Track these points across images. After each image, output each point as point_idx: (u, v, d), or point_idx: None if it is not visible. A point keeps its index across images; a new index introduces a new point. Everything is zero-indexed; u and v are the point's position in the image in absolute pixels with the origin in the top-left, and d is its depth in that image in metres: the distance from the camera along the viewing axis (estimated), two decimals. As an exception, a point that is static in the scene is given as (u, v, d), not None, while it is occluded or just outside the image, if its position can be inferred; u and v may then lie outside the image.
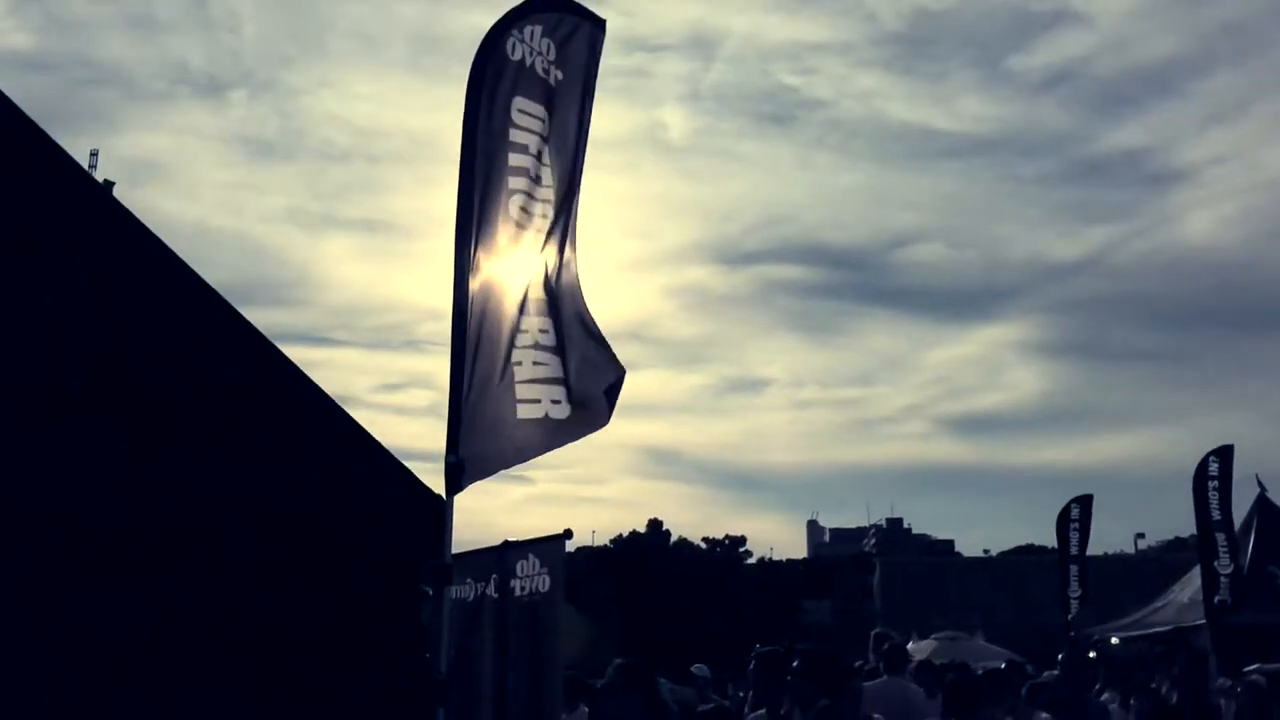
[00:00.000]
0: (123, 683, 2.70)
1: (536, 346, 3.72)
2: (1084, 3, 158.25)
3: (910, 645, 13.73)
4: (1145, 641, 19.34)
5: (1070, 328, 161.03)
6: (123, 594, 2.71)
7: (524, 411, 3.58)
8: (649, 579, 53.86)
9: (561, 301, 3.93)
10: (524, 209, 3.79)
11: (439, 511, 3.24)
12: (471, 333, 3.46)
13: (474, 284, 3.52)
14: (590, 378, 3.89)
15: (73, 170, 2.64)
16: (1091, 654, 15.87)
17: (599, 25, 4.25)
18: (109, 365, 2.64)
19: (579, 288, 4.22)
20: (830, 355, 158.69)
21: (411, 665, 3.11)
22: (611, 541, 60.81)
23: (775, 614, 52.62)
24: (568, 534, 3.24)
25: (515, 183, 3.77)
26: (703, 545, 60.48)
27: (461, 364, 3.41)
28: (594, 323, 4.26)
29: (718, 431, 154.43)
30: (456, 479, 3.33)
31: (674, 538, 59.70)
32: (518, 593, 3.28)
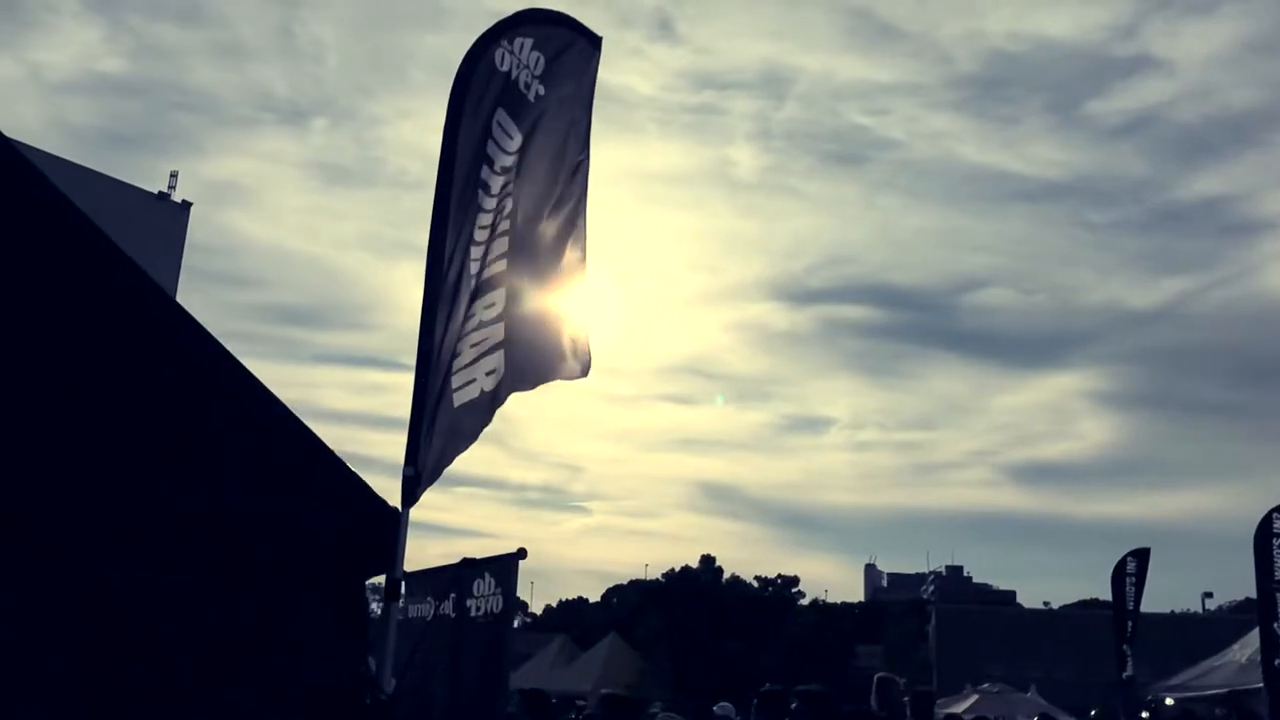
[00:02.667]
0: (57, 697, 2.65)
1: (480, 326, 3.67)
2: (1165, 49, 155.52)
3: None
4: (1203, 703, 18.60)
5: (1142, 378, 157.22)
6: (60, 603, 2.67)
7: (460, 397, 3.51)
8: (700, 615, 53.34)
9: (520, 277, 3.87)
10: (485, 226, 3.73)
11: (393, 525, 3.16)
12: (437, 346, 3.40)
13: (448, 307, 3.47)
14: (546, 335, 3.86)
15: (12, 162, 2.62)
16: (1144, 714, 15.28)
17: (594, 42, 4.19)
18: (47, 367, 2.60)
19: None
20: (893, 397, 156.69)
21: (358, 681, 3.02)
22: (663, 576, 60.46)
23: (827, 656, 51.73)
24: (522, 553, 3.13)
25: (483, 201, 3.72)
26: (755, 584, 59.83)
27: (426, 375, 3.34)
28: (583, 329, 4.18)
29: (777, 469, 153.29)
30: (412, 491, 3.26)
31: (726, 575, 59.16)
32: (474, 613, 3.18)
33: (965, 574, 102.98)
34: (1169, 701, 18.97)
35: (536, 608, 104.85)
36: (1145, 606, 18.32)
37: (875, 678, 8.22)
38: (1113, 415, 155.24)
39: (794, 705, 5.45)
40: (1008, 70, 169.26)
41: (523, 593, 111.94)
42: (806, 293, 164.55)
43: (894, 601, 79.61)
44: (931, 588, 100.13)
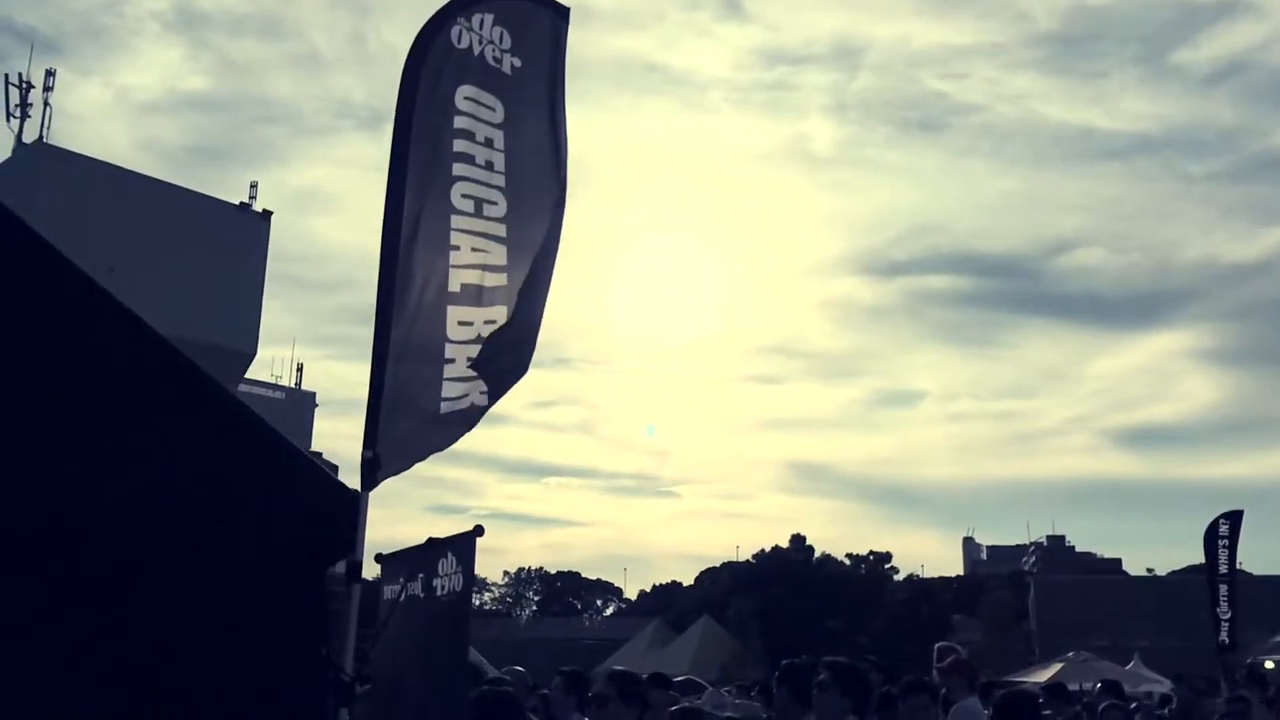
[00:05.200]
0: (16, 687, 2.70)
1: (478, 340, 3.62)
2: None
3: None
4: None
5: (1246, 334, 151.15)
6: (17, 595, 2.72)
7: (448, 407, 3.48)
8: (792, 595, 53.07)
9: (518, 285, 3.81)
10: (471, 196, 3.69)
11: (353, 508, 3.16)
12: (401, 331, 3.38)
13: (409, 279, 3.45)
14: (508, 369, 3.77)
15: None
16: (1235, 677, 14.74)
17: (561, 13, 4.14)
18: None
19: (544, 276, 4.08)
20: (985, 367, 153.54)
21: (320, 665, 3.03)
22: (754, 557, 60.29)
23: (924, 631, 51.05)
24: (479, 530, 3.12)
25: (460, 169, 3.68)
26: (846, 561, 59.28)
27: (384, 362, 3.33)
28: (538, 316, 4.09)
29: (869, 446, 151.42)
30: (372, 474, 3.25)
31: (818, 553, 58.69)
32: (439, 592, 3.17)
33: (1068, 544, 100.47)
34: (1269, 665, 18.29)
35: (631, 593, 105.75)
36: (1264, 569, 17.67)
37: (936, 647, 8.06)
38: (1217, 373, 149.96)
39: (820, 677, 5.33)
40: (1089, 24, 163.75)
41: (615, 579, 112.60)
42: (891, 265, 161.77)
43: (992, 575, 78.09)
44: (1033, 559, 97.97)
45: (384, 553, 3.58)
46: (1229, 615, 17.09)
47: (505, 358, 3.72)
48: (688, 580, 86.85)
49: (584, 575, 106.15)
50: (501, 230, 3.75)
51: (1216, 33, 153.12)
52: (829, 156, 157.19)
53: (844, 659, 5.47)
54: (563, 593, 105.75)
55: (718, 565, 71.73)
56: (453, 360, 3.51)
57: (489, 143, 3.79)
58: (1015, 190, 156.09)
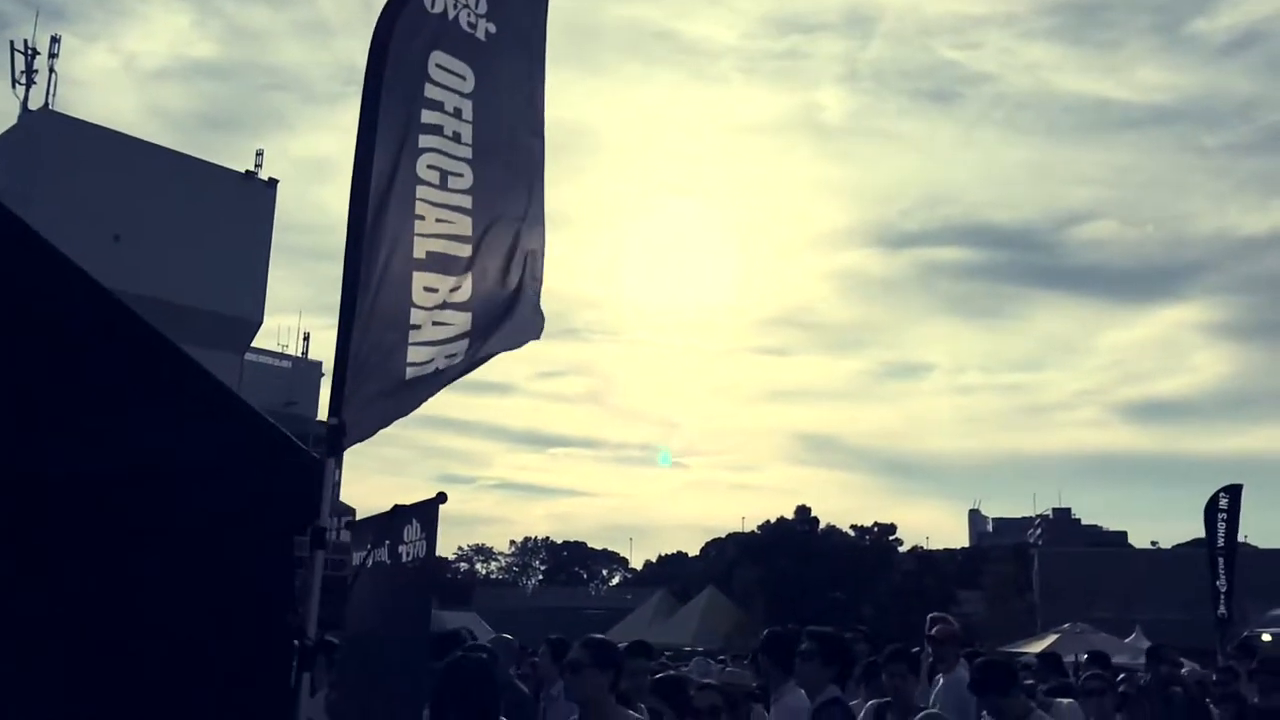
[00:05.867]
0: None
1: (444, 306, 3.60)
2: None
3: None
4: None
5: (1259, 307, 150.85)
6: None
7: (413, 372, 3.48)
8: (797, 566, 53.27)
9: (490, 256, 3.80)
10: (436, 167, 3.66)
11: (317, 475, 3.16)
12: (367, 297, 3.37)
13: (376, 247, 3.43)
14: (501, 338, 3.77)
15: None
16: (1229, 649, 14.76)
17: None
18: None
19: (537, 245, 4.08)
20: (995, 339, 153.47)
21: (286, 630, 3.05)
22: (759, 528, 60.44)
23: (927, 603, 51.25)
24: (442, 497, 3.12)
25: (427, 140, 3.65)
26: (851, 533, 59.42)
27: (350, 328, 3.32)
28: (537, 283, 4.11)
29: (876, 418, 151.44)
30: (337, 441, 3.25)
31: (823, 525, 58.86)
32: (404, 559, 3.19)
33: (1073, 516, 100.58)
34: (1265, 637, 18.34)
35: (636, 563, 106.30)
36: (1273, 543, 17.70)
37: (929, 616, 8.08)
38: (1228, 346, 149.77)
39: (803, 646, 5.35)
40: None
41: (621, 548, 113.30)
42: (902, 236, 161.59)
43: (996, 546, 78.22)
44: (1038, 531, 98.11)
45: (354, 520, 3.59)
46: (1226, 588, 17.12)
47: (499, 328, 3.75)
48: (693, 551, 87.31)
49: (590, 545, 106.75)
50: (467, 202, 3.73)
51: (1233, 1, 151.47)
52: (840, 126, 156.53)
53: (829, 629, 5.50)
54: (569, 562, 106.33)
55: (723, 536, 72.05)
56: (418, 326, 3.50)
57: (457, 113, 3.76)
58: (1028, 161, 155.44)
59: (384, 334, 3.41)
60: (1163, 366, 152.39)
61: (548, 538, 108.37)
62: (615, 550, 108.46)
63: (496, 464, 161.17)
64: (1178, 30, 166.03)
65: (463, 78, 3.80)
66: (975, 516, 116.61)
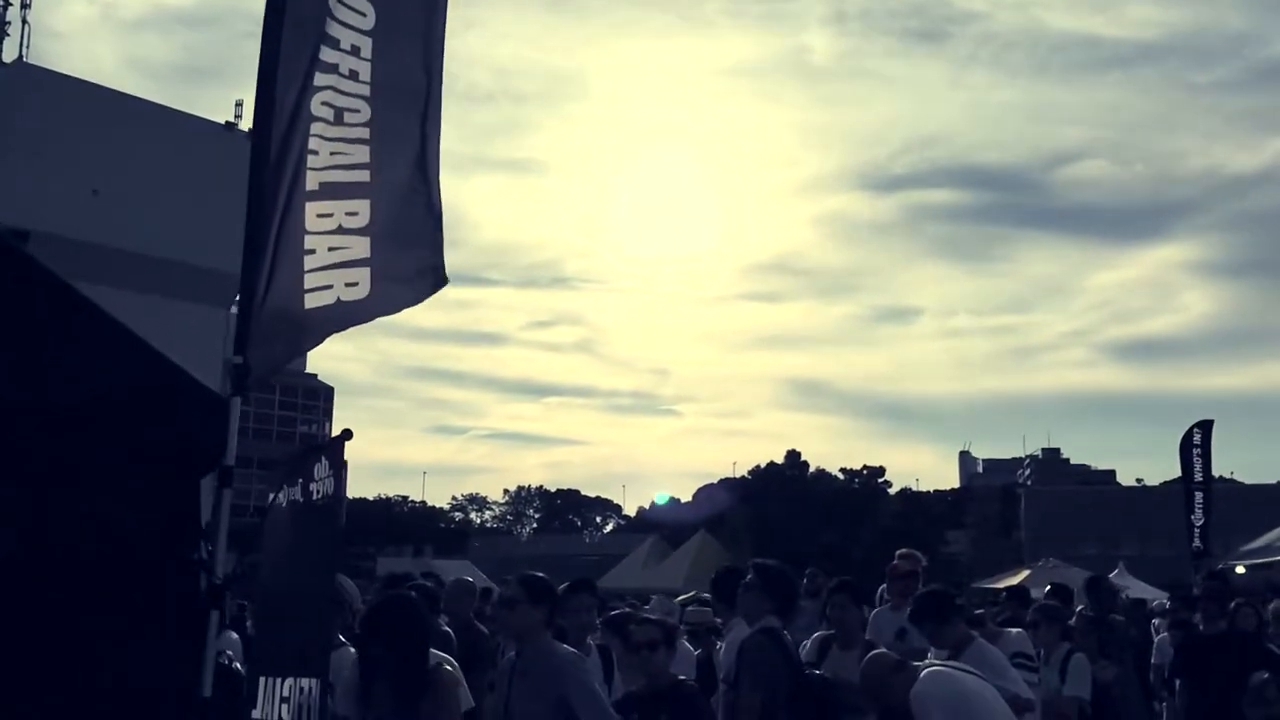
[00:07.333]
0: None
1: (340, 230, 3.58)
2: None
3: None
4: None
5: (1248, 245, 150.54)
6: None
7: (312, 300, 3.47)
8: (787, 510, 53.74)
9: (384, 183, 3.76)
10: (330, 104, 3.63)
11: (223, 414, 3.17)
12: (269, 233, 3.36)
13: (278, 183, 3.41)
14: (406, 261, 3.74)
15: None
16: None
17: None
18: None
19: (431, 172, 3.99)
20: (984, 282, 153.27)
21: (194, 568, 3.08)
22: (750, 473, 60.92)
23: (917, 543, 51.70)
24: (347, 434, 3.14)
25: (323, 79, 3.61)
26: (840, 476, 59.91)
27: (259, 265, 3.32)
28: (437, 210, 4.02)
29: (866, 362, 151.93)
30: (242, 380, 3.26)
31: (812, 469, 59.29)
32: (315, 496, 3.21)
33: (1062, 456, 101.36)
34: (1239, 569, 18.58)
35: (630, 510, 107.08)
36: (1259, 478, 17.89)
37: (897, 552, 8.17)
38: (1216, 285, 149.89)
39: (747, 578, 5.43)
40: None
41: (614, 495, 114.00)
42: (891, 180, 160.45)
43: (984, 486, 78.88)
44: (1028, 472, 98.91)
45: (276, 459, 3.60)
46: (1201, 522, 17.35)
47: (401, 259, 3.72)
48: (686, 496, 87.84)
49: (583, 493, 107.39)
50: (365, 134, 3.70)
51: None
52: (827, 69, 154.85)
53: (774, 561, 5.56)
54: (563, 510, 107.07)
55: (714, 482, 72.55)
56: (313, 251, 3.49)
57: (355, 50, 3.72)
58: (1017, 101, 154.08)
59: (283, 267, 3.41)
60: (1151, 306, 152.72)
61: (541, 486, 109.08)
62: (609, 498, 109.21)
63: (490, 414, 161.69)
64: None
65: (364, 14, 3.75)
66: (966, 458, 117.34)
